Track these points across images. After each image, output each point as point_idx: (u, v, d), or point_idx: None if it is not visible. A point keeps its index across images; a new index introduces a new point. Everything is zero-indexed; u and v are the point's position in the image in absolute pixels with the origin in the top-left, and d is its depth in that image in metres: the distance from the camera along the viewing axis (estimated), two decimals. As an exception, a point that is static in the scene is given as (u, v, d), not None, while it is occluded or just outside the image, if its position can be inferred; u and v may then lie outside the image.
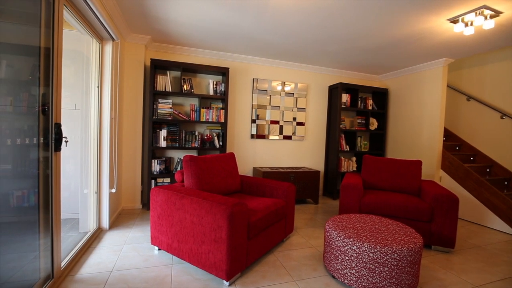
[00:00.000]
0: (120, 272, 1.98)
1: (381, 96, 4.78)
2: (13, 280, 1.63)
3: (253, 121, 4.22)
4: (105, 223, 2.78)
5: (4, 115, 1.59)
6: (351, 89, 4.56)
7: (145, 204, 3.64)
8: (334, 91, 4.52)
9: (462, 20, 2.52)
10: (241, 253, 1.90)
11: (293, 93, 4.44)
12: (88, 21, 2.29)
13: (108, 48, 2.73)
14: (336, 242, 1.95)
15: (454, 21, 2.57)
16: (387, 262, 1.74)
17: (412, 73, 4.34)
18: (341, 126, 4.48)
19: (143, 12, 2.70)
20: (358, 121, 4.63)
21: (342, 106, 4.45)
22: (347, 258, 1.86)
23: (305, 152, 4.63)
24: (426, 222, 2.60)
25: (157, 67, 3.51)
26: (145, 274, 1.96)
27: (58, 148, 1.76)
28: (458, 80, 4.53)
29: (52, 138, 1.73)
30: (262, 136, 4.29)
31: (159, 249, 2.34)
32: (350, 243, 1.84)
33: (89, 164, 2.66)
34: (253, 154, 4.30)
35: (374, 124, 4.77)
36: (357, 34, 3.02)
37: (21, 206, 1.78)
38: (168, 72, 3.61)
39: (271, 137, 4.34)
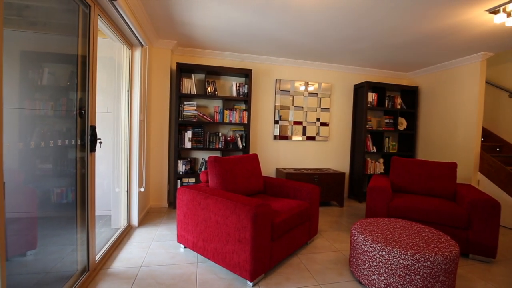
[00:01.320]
0: (148, 268, 2.06)
1: (410, 94, 4.55)
2: (55, 270, 1.76)
3: (276, 122, 4.21)
4: (135, 220, 2.91)
5: (46, 119, 1.73)
6: (378, 87, 4.39)
7: (171, 203, 3.77)
8: (360, 90, 4.37)
9: (504, 10, 2.32)
10: (265, 254, 1.90)
11: (316, 93, 4.36)
12: (120, 29, 2.42)
13: (138, 53, 2.87)
14: (363, 247, 1.88)
15: (494, 11, 2.37)
16: (419, 269, 1.64)
17: (445, 69, 4.08)
18: (367, 126, 4.32)
19: (170, 18, 2.81)
20: (386, 121, 4.44)
21: (369, 105, 4.29)
22: (375, 264, 1.79)
23: (329, 153, 4.52)
24: (462, 229, 2.42)
25: (183, 70, 3.63)
26: (172, 271, 2.03)
27: (93, 149, 1.88)
28: (498, 75, 4.18)
29: (88, 139, 1.85)
30: (285, 137, 4.26)
31: (184, 247, 2.41)
32: (379, 248, 1.77)
33: (120, 164, 2.81)
34: (276, 155, 4.28)
35: (403, 124, 4.54)
36: (385, 31, 2.90)
37: (60, 202, 1.93)
38: (193, 75, 3.71)
39: (294, 138, 4.30)
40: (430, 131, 4.33)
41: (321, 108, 4.40)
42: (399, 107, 4.46)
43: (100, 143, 2.05)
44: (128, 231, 2.77)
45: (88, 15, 1.84)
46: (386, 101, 4.38)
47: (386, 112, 4.58)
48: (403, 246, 1.74)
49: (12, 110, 1.41)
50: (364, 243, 1.87)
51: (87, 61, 1.84)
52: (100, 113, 3.13)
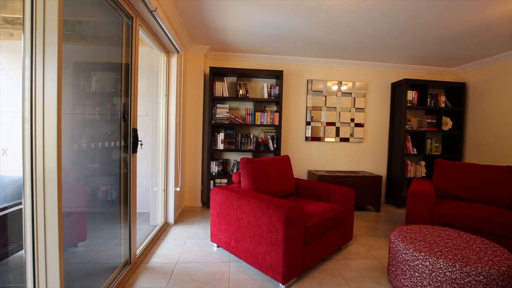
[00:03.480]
0: (184, 265, 2.15)
1: (456, 91, 4.17)
2: (102, 262, 1.91)
3: (308, 123, 4.14)
4: (171, 218, 3.06)
5: (94, 123, 1.89)
6: (419, 85, 4.10)
7: (205, 202, 3.89)
8: (398, 88, 4.12)
9: None
10: (298, 257, 1.87)
11: (350, 93, 4.20)
12: (158, 37, 2.57)
13: (174, 60, 3.02)
14: (403, 255, 1.76)
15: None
16: (469, 284, 1.49)
17: (498, 62, 3.67)
18: (406, 126, 4.05)
19: (203, 24, 2.91)
20: (428, 120, 4.12)
21: (408, 104, 4.02)
22: (417, 274, 1.66)
23: (365, 155, 4.32)
24: (522, 240, 2.15)
25: (215, 74, 3.74)
26: (206, 269, 2.09)
27: (135, 150, 2.01)
28: None
29: (130, 141, 1.98)
30: (317, 139, 4.17)
31: (217, 246, 2.47)
32: (421, 257, 1.64)
33: (158, 165, 2.97)
34: (308, 157, 4.20)
35: (447, 123, 4.18)
36: (426, 24, 2.70)
37: (105, 199, 2.09)
38: (225, 78, 3.80)
39: (326, 139, 4.18)
40: (480, 132, 3.92)
41: (356, 108, 4.22)
42: (443, 105, 4.11)
43: (141, 144, 2.19)
44: (165, 228, 2.91)
45: (130, 26, 1.98)
46: (428, 99, 4.07)
47: (428, 111, 4.25)
48: (450, 257, 1.60)
49: (66, 115, 1.57)
50: (405, 252, 1.75)
51: (130, 69, 1.98)
52: (140, 116, 3.35)
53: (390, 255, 1.94)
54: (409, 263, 1.71)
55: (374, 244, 2.67)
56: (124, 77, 1.98)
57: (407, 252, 1.73)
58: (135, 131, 2.01)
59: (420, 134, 4.17)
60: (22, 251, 1.97)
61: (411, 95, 4.06)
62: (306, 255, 1.97)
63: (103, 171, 2.00)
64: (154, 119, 2.97)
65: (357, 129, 4.24)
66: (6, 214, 1.78)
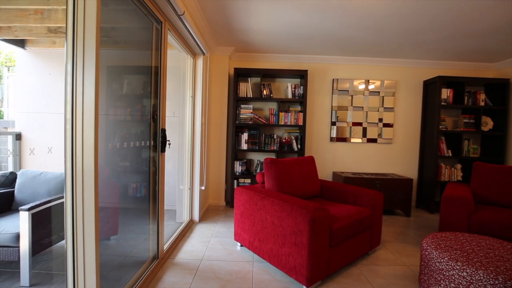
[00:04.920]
0: (208, 262, 2.19)
1: (498, 88, 3.83)
2: (132, 255, 2.01)
3: (333, 123, 4.04)
4: (196, 216, 3.14)
5: (125, 123, 1.99)
6: (454, 82, 3.83)
7: (228, 202, 3.94)
8: (431, 86, 3.88)
9: None
10: (322, 261, 1.83)
11: (378, 92, 4.04)
12: (185, 40, 2.65)
13: (200, 62, 3.10)
14: (437, 264, 1.65)
15: None
16: (514, 299, 1.37)
17: (549, 56, 3.32)
18: (440, 127, 3.81)
19: (228, 25, 2.95)
20: (465, 120, 3.84)
21: (442, 103, 3.77)
22: (452, 285, 1.55)
23: (393, 157, 4.13)
24: None
25: (239, 75, 3.78)
26: (229, 267, 2.12)
27: (163, 149, 2.10)
28: None
29: (159, 141, 2.06)
30: (343, 139, 4.05)
31: (241, 245, 2.49)
32: (458, 267, 1.53)
33: (184, 164, 3.06)
34: (333, 158, 4.10)
35: (488, 123, 3.86)
36: (463, 16, 2.51)
37: (135, 196, 2.20)
38: (249, 79, 3.83)
39: (352, 140, 4.05)
40: (527, 132, 3.57)
41: (384, 107, 4.05)
42: (482, 104, 3.80)
43: (169, 144, 2.28)
44: (190, 226, 3.00)
45: (160, 31, 2.06)
46: (465, 97, 3.79)
47: (465, 110, 3.96)
48: (491, 268, 1.47)
49: (101, 116, 1.67)
50: (439, 260, 1.64)
51: (159, 71, 2.06)
52: (167, 117, 3.47)
53: (422, 263, 1.83)
54: (444, 273, 1.61)
55: (403, 250, 2.54)
56: (153, 80, 2.06)
57: (442, 260, 1.63)
58: (163, 131, 2.09)
59: (455, 135, 3.89)
60: (63, 241, 2.13)
61: (446, 93, 3.80)
62: (331, 258, 1.93)
63: (133, 169, 2.11)
64: (181, 120, 3.07)
65: (385, 129, 4.06)
66: (50, 207, 1.94)
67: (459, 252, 1.66)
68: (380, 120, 4.05)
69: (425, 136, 3.99)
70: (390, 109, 4.05)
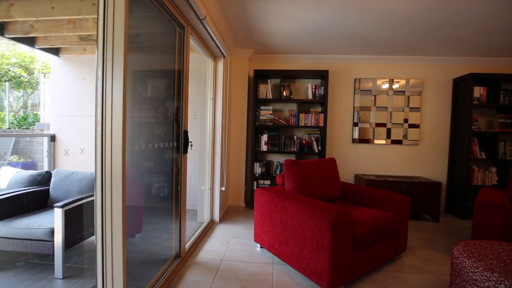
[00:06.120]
0: (229, 262, 2.21)
1: (540, 86, 3.54)
2: (155, 253, 2.08)
3: (355, 124, 3.93)
4: (216, 216, 3.18)
5: (149, 125, 2.06)
6: (488, 80, 3.58)
7: (248, 203, 3.96)
8: (462, 84, 3.66)
9: None
10: (345, 265, 1.78)
11: (403, 91, 3.88)
12: (206, 44, 2.71)
13: (220, 64, 3.15)
14: (470, 274, 1.55)
15: None
16: (560, 315, 1.25)
17: None
18: (472, 127, 3.57)
19: (248, 28, 2.98)
20: (501, 120, 3.57)
21: (475, 102, 3.54)
22: (488, 297, 1.45)
23: (420, 159, 3.94)
24: None
25: (259, 76, 3.79)
26: (250, 268, 2.12)
27: (186, 150, 2.15)
28: None
29: (181, 142, 2.12)
30: (365, 141, 3.93)
31: (261, 247, 2.49)
32: (494, 279, 1.43)
33: (205, 165, 3.12)
34: (355, 160, 3.99)
35: (527, 124, 3.57)
36: (499, 8, 2.35)
37: (158, 195, 2.27)
38: (268, 80, 3.83)
39: (376, 141, 3.92)
40: None
41: (410, 107, 3.88)
42: (521, 102, 3.53)
43: (191, 145, 2.33)
44: (211, 226, 3.04)
45: (182, 35, 2.12)
46: (502, 95, 3.53)
47: (501, 109, 3.68)
48: (533, 280, 1.35)
49: (127, 119, 1.74)
50: (472, 270, 1.54)
51: (181, 75, 2.12)
52: (189, 119, 3.56)
53: (453, 272, 1.72)
54: (478, 284, 1.50)
55: (432, 257, 2.41)
56: (176, 83, 2.12)
57: (476, 270, 1.52)
58: (186, 132, 2.15)
59: (490, 136, 3.64)
60: (92, 237, 2.24)
61: (479, 91, 3.57)
62: (354, 263, 1.87)
63: (156, 169, 2.18)
64: (202, 121, 3.14)
65: (411, 130, 3.88)
66: (81, 204, 2.06)
67: (495, 262, 1.55)
68: (406, 120, 3.88)
69: (455, 137, 3.77)
70: (416, 109, 3.87)
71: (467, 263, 1.59)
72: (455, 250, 1.74)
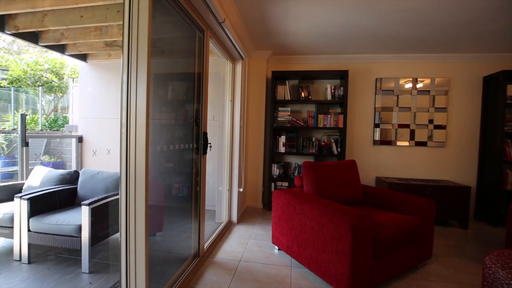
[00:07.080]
0: (246, 263, 2.22)
1: None
2: (175, 252, 2.12)
3: (376, 125, 3.81)
4: (234, 217, 3.20)
5: (170, 127, 2.11)
6: (524, 78, 3.35)
7: (265, 204, 3.95)
8: (493, 82, 3.45)
9: None
10: (366, 271, 1.73)
11: (428, 90, 3.71)
12: (225, 46, 2.74)
13: (239, 66, 3.18)
14: (504, 286, 1.45)
15: None
16: None
17: None
18: (505, 128, 3.35)
19: (266, 29, 2.98)
20: (537, 121, 3.32)
21: (508, 101, 3.32)
22: (525, 310, 1.34)
23: (447, 162, 3.74)
24: None
25: (277, 78, 3.78)
26: (267, 270, 2.11)
27: (205, 152, 2.19)
28: None
29: (201, 143, 2.16)
30: (387, 142, 3.80)
31: (279, 249, 2.47)
32: (532, 291, 1.32)
33: (223, 166, 3.15)
34: (376, 162, 3.87)
35: None
36: (536, 1, 2.19)
37: (178, 195, 2.32)
38: (286, 81, 3.81)
39: (398, 143, 3.78)
40: None
41: (435, 107, 3.70)
42: (561, 101, 3.26)
43: (210, 147, 2.36)
44: (228, 227, 3.07)
45: (202, 39, 2.16)
46: (538, 94, 3.28)
47: (538, 109, 3.43)
48: None
49: (150, 121, 1.80)
50: (507, 282, 1.44)
51: (201, 78, 2.16)
52: (208, 121, 3.62)
53: (485, 283, 1.62)
54: (513, 296, 1.40)
55: (460, 266, 2.28)
56: (196, 85, 2.17)
57: (511, 282, 1.42)
58: (205, 134, 2.19)
59: (525, 137, 3.39)
60: (117, 234, 2.33)
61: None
62: (375, 269, 1.81)
63: (176, 170, 2.23)
64: (220, 123, 3.18)
65: (437, 131, 3.71)
66: (107, 203, 2.15)
67: (532, 273, 1.43)
68: (431, 121, 3.71)
69: (486, 139, 3.55)
70: (442, 109, 3.69)
71: (501, 274, 1.49)
72: (487, 259, 1.64)
